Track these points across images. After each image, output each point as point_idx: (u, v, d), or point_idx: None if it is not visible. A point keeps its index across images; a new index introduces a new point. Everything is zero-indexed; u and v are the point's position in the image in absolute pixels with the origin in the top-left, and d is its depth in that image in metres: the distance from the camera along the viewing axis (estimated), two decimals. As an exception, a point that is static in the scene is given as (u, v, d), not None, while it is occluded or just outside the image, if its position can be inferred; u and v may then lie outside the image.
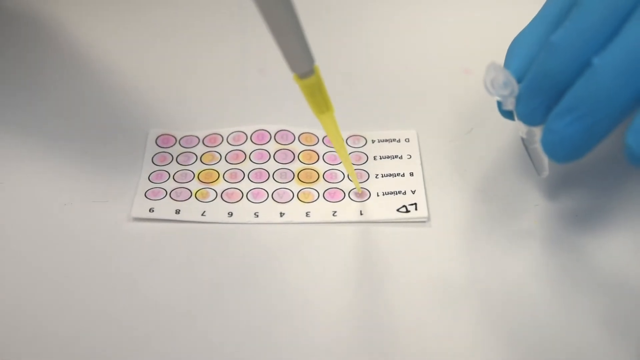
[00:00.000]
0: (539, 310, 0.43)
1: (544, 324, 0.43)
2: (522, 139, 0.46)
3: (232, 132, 0.51)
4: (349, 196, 0.48)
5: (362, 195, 0.48)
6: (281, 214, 0.47)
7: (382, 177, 0.49)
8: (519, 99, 0.44)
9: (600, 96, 0.39)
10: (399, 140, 0.51)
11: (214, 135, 0.51)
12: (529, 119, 0.43)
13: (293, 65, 0.42)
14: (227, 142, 0.51)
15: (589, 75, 0.40)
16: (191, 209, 0.47)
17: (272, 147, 0.50)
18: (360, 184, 0.49)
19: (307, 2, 0.60)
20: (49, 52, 0.56)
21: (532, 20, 0.45)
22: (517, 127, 0.46)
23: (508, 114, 0.45)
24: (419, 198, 0.48)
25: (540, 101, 0.42)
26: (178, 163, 0.50)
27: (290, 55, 0.41)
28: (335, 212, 0.47)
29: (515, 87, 0.44)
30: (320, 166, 0.50)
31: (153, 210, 0.47)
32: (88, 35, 0.57)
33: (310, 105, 0.44)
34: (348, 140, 0.51)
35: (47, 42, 0.57)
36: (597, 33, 0.40)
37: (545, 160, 0.46)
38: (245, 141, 0.51)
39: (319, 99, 0.43)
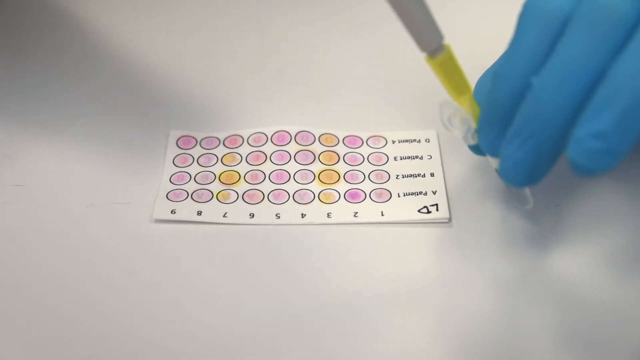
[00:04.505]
0: (561, 308, 0.43)
1: (563, 322, 0.43)
2: (497, 171, 0.45)
3: (253, 133, 0.51)
4: (370, 197, 0.48)
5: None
6: (302, 215, 0.47)
7: (403, 177, 0.49)
8: (478, 132, 0.43)
9: (543, 115, 0.39)
10: (419, 141, 0.51)
11: (234, 136, 0.51)
12: (492, 150, 0.43)
13: (421, 43, 0.41)
14: (248, 143, 0.51)
15: (530, 96, 0.40)
16: (212, 211, 0.47)
17: (292, 148, 0.50)
18: (380, 184, 0.49)
19: (322, 4, 0.60)
20: (70, 54, 0.56)
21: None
22: (490, 162, 0.46)
23: (477, 150, 0.45)
24: (440, 199, 0.48)
25: (496, 130, 0.42)
26: (199, 164, 0.50)
27: (416, 33, 0.41)
28: (356, 213, 0.47)
29: (472, 122, 0.44)
30: (341, 167, 0.50)
31: (175, 212, 0.47)
32: (109, 36, 0.58)
33: (447, 87, 0.43)
34: (368, 141, 0.51)
35: (68, 44, 0.57)
36: (533, 55, 0.40)
37: (526, 190, 0.45)
38: (266, 142, 0.51)
39: (456, 79, 0.43)
